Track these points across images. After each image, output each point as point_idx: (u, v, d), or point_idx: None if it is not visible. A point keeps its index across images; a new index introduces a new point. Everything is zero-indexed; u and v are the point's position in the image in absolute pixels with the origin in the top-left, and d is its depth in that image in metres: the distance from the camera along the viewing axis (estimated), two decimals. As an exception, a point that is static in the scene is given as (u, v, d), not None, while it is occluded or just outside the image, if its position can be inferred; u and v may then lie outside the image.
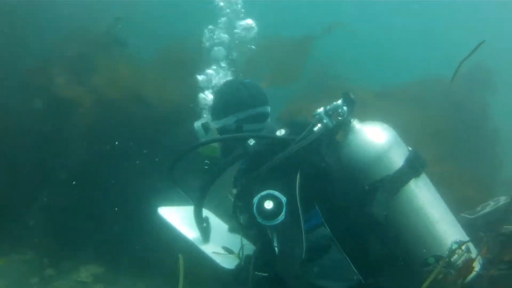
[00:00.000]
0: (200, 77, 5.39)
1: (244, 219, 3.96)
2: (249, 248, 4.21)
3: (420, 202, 3.69)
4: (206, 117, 4.43)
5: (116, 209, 6.26)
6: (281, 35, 9.31)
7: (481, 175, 7.44)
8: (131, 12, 8.16)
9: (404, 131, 6.52)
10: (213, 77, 5.33)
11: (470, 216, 4.67)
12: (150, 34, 8.55)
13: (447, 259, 3.57)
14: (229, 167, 4.01)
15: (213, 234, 4.22)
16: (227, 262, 3.99)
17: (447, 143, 7.23)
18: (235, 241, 4.27)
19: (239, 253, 4.08)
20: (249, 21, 6.17)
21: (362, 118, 3.87)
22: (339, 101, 3.72)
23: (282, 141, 3.81)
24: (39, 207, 6.25)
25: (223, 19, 6.06)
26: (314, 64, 9.45)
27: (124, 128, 6.60)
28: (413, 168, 3.72)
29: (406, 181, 3.68)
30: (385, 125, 3.82)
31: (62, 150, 6.43)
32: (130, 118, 6.66)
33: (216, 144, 4.33)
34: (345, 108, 3.71)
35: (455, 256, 3.60)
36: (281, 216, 3.52)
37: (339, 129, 3.79)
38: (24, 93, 6.86)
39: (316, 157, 3.81)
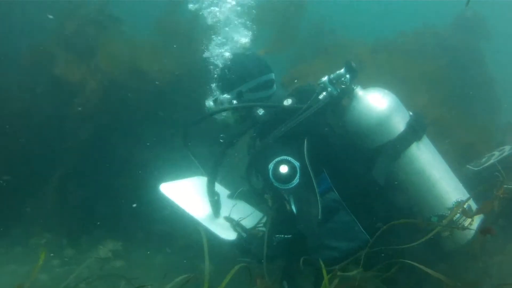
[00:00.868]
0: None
1: (259, 184, 4.21)
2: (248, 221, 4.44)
3: (421, 164, 3.90)
4: (214, 93, 4.50)
5: (127, 184, 6.42)
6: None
7: (480, 120, 7.57)
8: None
9: (401, 83, 6.68)
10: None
11: (475, 168, 4.82)
12: (142, 7, 8.53)
13: (449, 218, 3.78)
14: (241, 137, 4.27)
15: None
16: (228, 234, 4.17)
17: (445, 91, 7.32)
18: (239, 213, 4.46)
19: (235, 226, 4.27)
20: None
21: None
22: (342, 70, 3.90)
23: (290, 109, 3.99)
24: (51, 189, 6.32)
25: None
26: (309, 24, 9.49)
27: (128, 105, 6.67)
28: (414, 132, 3.92)
29: (408, 144, 3.90)
30: (386, 91, 4.02)
31: (70, 131, 6.50)
32: (134, 93, 6.72)
33: (229, 115, 4.43)
34: (348, 76, 3.89)
35: (457, 215, 3.78)
36: (296, 179, 3.73)
37: (343, 96, 3.98)
38: (26, 75, 6.87)
39: (321, 125, 4.01)
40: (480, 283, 3.95)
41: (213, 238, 4.08)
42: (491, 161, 4.80)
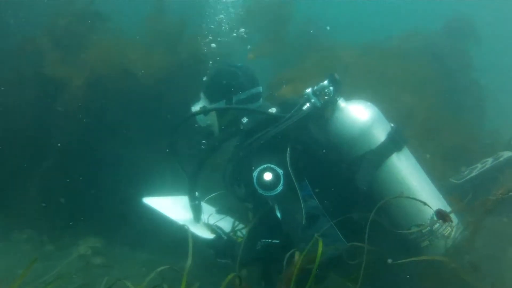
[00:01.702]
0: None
1: (242, 192, 4.30)
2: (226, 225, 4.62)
3: (401, 174, 4.04)
4: (202, 100, 4.59)
5: (110, 181, 6.51)
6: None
7: (466, 123, 7.67)
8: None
9: (389, 85, 6.77)
10: None
11: (457, 181, 4.92)
12: (131, 5, 8.61)
13: (429, 228, 3.88)
14: (225, 144, 4.40)
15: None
16: (208, 234, 4.33)
17: (432, 94, 7.48)
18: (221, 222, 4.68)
19: (216, 228, 4.40)
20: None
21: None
22: (325, 82, 4.07)
23: (274, 118, 4.15)
24: (34, 185, 6.40)
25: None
26: (298, 26, 9.58)
27: (114, 102, 6.75)
28: (394, 142, 4.06)
29: (389, 154, 4.05)
30: (368, 104, 4.22)
31: (56, 127, 6.59)
32: (120, 91, 6.78)
33: (214, 122, 4.53)
34: (331, 88, 4.07)
35: (437, 225, 3.90)
36: (280, 186, 3.84)
37: (326, 107, 4.15)
38: (14, 72, 6.94)
39: (304, 134, 4.15)
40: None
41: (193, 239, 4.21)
42: (473, 174, 4.94)
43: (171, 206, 4.61)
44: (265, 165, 3.90)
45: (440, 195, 4.17)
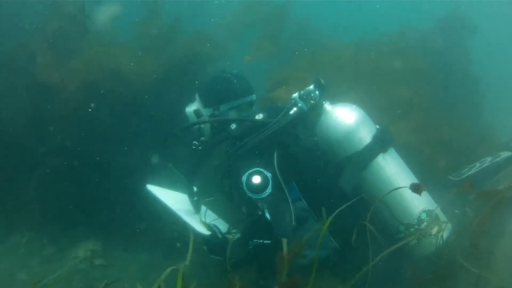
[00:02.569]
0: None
1: (234, 196, 4.41)
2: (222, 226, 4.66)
3: (387, 174, 4.19)
4: (196, 102, 4.75)
5: (106, 184, 6.59)
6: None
7: (463, 117, 7.76)
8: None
9: (382, 83, 6.87)
10: None
11: (455, 178, 5.03)
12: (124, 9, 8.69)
13: (417, 227, 4.01)
14: (216, 149, 4.52)
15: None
16: (204, 230, 4.41)
17: (427, 88, 7.54)
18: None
19: (212, 226, 4.49)
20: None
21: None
22: (311, 86, 4.23)
23: (261, 124, 4.29)
24: (32, 189, 6.50)
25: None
26: (293, 26, 9.67)
27: (107, 106, 6.83)
28: (380, 143, 4.21)
29: (374, 155, 4.20)
30: (354, 106, 4.37)
31: (50, 131, 6.67)
32: (113, 95, 6.88)
33: (206, 127, 4.69)
34: (317, 92, 4.23)
35: (424, 224, 4.03)
36: (269, 189, 4.00)
37: (313, 111, 4.29)
38: (6, 76, 7.02)
39: (290, 137, 4.32)
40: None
41: (189, 233, 4.33)
42: (471, 172, 5.02)
43: (171, 198, 4.72)
44: (254, 169, 4.07)
45: (427, 194, 4.29)
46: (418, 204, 4.15)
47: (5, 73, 6.95)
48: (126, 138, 6.85)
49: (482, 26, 10.78)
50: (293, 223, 3.92)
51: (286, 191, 4.00)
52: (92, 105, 6.63)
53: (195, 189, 4.69)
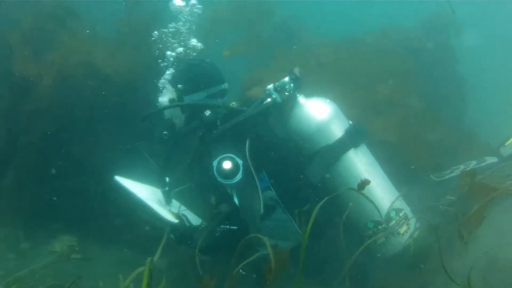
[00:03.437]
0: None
1: (202, 182, 4.56)
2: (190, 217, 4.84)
3: (358, 170, 4.39)
4: (167, 92, 4.87)
5: (84, 179, 6.81)
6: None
7: (446, 117, 7.90)
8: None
9: (363, 80, 6.99)
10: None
11: (436, 179, 5.19)
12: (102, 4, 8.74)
13: (385, 225, 4.17)
14: (189, 137, 4.65)
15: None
16: (171, 218, 4.52)
17: (410, 87, 7.61)
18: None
19: (179, 215, 4.67)
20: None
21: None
22: (286, 78, 4.38)
23: (235, 111, 4.48)
24: (6, 184, 6.58)
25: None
26: (274, 22, 9.74)
27: (83, 101, 6.97)
28: (352, 138, 4.40)
29: (345, 149, 4.40)
30: (328, 100, 4.56)
31: (25, 126, 6.78)
32: (89, 90, 7.03)
33: (178, 115, 4.80)
34: (291, 84, 4.39)
35: (393, 222, 4.21)
36: (239, 175, 4.16)
37: (287, 103, 4.48)
38: None
39: (263, 127, 4.48)
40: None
41: (159, 224, 4.47)
42: (453, 174, 5.23)
43: (140, 189, 4.76)
44: (225, 155, 4.23)
45: (396, 192, 4.53)
46: (387, 202, 4.34)
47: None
48: (103, 133, 6.96)
49: (469, 25, 10.93)
50: (261, 210, 4.10)
51: (256, 179, 4.17)
52: (68, 99, 6.76)
53: (167, 179, 4.82)
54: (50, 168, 6.73)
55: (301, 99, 4.54)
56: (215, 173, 4.20)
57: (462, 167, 5.28)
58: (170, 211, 4.73)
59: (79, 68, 6.98)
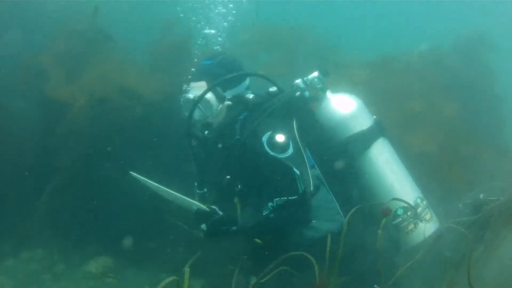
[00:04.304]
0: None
1: (245, 168, 4.38)
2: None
3: (386, 157, 4.51)
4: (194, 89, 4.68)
5: (119, 201, 6.75)
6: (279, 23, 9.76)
7: (484, 135, 7.92)
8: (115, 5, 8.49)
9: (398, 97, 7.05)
10: None
11: (467, 201, 5.07)
12: (136, 25, 8.88)
13: (415, 210, 4.28)
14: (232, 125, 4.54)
15: None
16: (200, 205, 4.31)
17: (446, 106, 7.69)
18: None
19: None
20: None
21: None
22: (315, 73, 4.49)
23: (275, 94, 4.56)
24: (42, 205, 6.73)
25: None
26: (309, 43, 9.83)
27: (117, 124, 7.07)
28: (380, 128, 4.57)
29: (376, 137, 4.51)
30: (353, 95, 4.67)
31: (60, 148, 6.91)
32: (122, 113, 7.13)
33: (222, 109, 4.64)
34: (320, 79, 4.54)
35: (420, 209, 4.29)
36: (290, 149, 4.09)
37: (315, 98, 4.63)
38: (18, 92, 7.37)
39: (306, 109, 4.52)
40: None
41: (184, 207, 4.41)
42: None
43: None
44: (276, 130, 4.16)
45: (415, 185, 4.60)
46: (408, 192, 4.46)
47: (15, 89, 7.29)
48: (137, 153, 7.03)
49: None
50: (311, 187, 4.05)
51: (304, 156, 4.19)
52: (102, 121, 6.91)
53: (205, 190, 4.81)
54: (85, 190, 6.84)
55: (329, 93, 4.67)
56: (266, 147, 4.09)
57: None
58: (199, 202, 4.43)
59: (112, 90, 7.13)
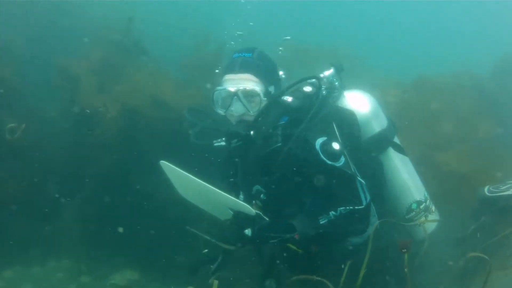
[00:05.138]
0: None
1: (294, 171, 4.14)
2: None
3: (400, 155, 4.62)
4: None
5: (148, 214, 6.89)
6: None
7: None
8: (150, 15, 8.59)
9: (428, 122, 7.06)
10: None
11: (488, 194, 5.11)
12: (170, 37, 8.97)
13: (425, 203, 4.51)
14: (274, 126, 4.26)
15: None
16: (246, 206, 3.90)
17: (481, 126, 7.76)
18: None
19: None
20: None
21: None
22: (331, 71, 4.49)
23: (313, 96, 4.23)
24: (73, 215, 6.84)
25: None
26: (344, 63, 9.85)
27: (148, 135, 7.18)
28: (394, 127, 4.65)
29: (393, 136, 4.62)
30: (367, 94, 4.62)
31: (90, 158, 7.05)
32: (154, 125, 7.23)
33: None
34: (336, 77, 4.52)
35: (428, 201, 4.58)
36: (342, 158, 3.94)
37: (331, 96, 4.49)
38: (51, 99, 7.50)
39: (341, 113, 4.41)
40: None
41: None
42: (508, 192, 4.96)
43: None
44: (329, 137, 4.00)
45: (423, 186, 4.71)
46: (417, 191, 4.60)
47: (49, 98, 7.34)
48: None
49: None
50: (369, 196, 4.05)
51: (350, 163, 4.04)
52: (133, 131, 7.03)
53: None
54: (115, 201, 6.91)
55: (345, 92, 4.60)
56: (320, 154, 3.88)
57: None
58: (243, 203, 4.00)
59: (144, 102, 7.24)
